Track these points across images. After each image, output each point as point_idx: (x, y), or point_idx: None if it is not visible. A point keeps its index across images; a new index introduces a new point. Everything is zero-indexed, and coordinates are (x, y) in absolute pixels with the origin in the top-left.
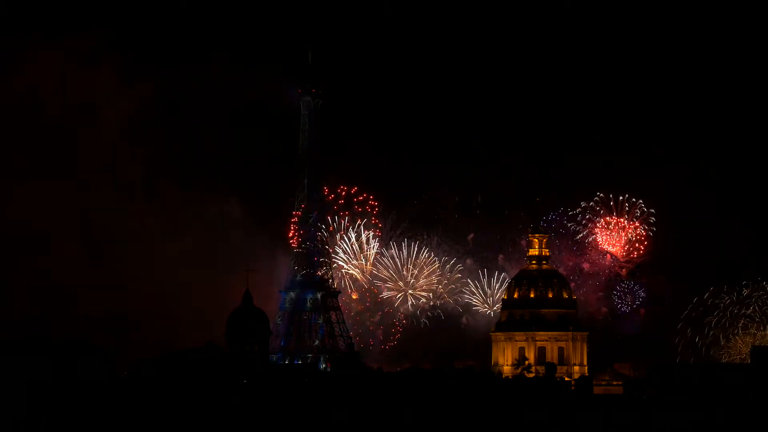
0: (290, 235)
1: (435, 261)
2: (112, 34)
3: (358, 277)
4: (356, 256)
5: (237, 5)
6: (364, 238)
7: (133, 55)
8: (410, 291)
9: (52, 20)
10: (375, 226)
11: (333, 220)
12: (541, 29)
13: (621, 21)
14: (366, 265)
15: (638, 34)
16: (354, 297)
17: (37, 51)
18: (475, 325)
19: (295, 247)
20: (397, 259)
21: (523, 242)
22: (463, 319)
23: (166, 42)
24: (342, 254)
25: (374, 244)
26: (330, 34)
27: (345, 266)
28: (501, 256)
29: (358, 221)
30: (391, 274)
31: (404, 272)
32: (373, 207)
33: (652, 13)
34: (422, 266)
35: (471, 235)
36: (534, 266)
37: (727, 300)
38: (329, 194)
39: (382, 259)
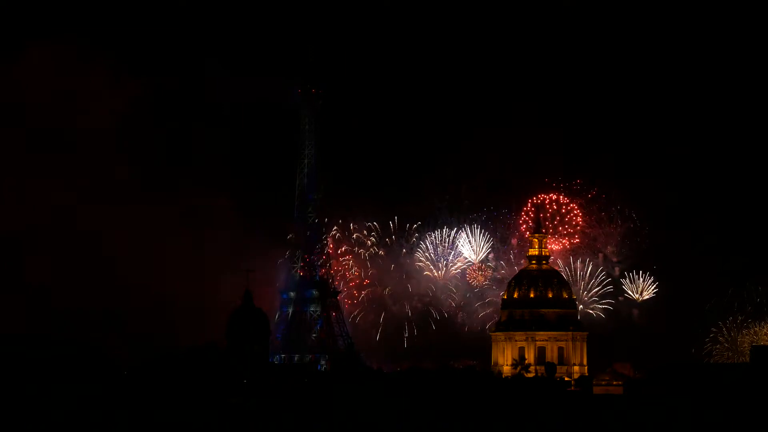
0: (290, 234)
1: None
2: (107, 32)
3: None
4: (353, 254)
5: (237, 5)
6: (362, 237)
7: (131, 55)
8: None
9: (44, 19)
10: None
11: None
12: (540, 29)
13: (616, 24)
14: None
15: (635, 38)
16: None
17: (28, 50)
18: (471, 323)
19: (295, 247)
20: (390, 261)
21: (514, 240)
22: (459, 318)
23: (165, 41)
24: (340, 252)
25: (371, 243)
26: (330, 34)
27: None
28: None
29: (352, 225)
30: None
31: (401, 272)
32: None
33: (648, 16)
34: (418, 266)
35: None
36: (534, 266)
37: (726, 299)
38: (328, 194)
39: (378, 259)
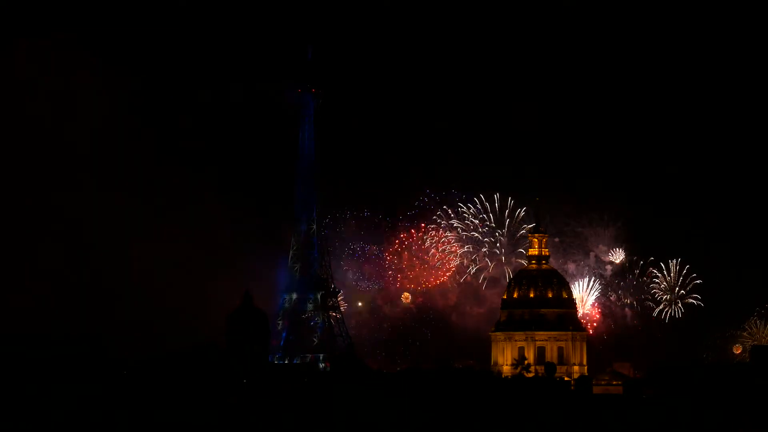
0: (290, 235)
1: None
2: (102, 30)
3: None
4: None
5: (237, 5)
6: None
7: (127, 54)
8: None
9: (35, 17)
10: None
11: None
12: (539, 30)
13: (615, 25)
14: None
15: (633, 39)
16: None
17: (19, 48)
18: (464, 324)
19: (295, 247)
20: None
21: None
22: (453, 317)
23: (163, 40)
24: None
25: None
26: (330, 33)
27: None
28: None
29: (355, 227)
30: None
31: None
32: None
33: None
34: (415, 265)
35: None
36: (534, 266)
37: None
38: (327, 194)
39: (377, 258)
